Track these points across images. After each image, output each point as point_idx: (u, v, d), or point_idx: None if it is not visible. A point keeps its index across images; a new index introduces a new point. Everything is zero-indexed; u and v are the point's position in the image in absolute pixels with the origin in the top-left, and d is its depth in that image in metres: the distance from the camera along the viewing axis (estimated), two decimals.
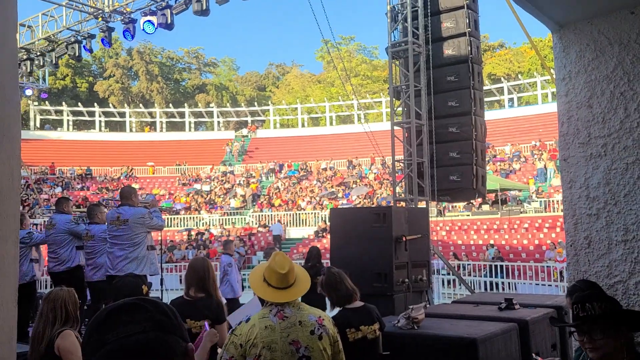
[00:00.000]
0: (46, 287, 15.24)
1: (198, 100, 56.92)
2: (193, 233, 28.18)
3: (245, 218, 30.66)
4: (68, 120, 47.95)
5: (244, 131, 46.48)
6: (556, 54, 4.00)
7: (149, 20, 15.32)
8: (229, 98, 59.24)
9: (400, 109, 13.29)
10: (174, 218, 30.47)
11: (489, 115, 26.69)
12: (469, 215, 26.05)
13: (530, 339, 5.09)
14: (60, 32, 17.77)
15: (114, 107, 52.41)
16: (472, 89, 11.94)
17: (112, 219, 7.28)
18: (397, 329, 4.85)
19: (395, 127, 13.19)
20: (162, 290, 10.33)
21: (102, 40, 16.79)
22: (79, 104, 49.64)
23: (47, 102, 45.09)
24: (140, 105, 54.69)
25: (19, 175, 1.43)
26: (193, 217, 31.20)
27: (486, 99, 29.30)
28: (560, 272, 16.20)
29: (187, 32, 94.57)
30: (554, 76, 4.10)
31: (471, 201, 22.63)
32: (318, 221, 28.33)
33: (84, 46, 17.24)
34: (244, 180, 36.08)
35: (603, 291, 2.57)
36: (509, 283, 17.40)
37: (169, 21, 15.18)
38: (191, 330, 4.20)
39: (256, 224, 29.79)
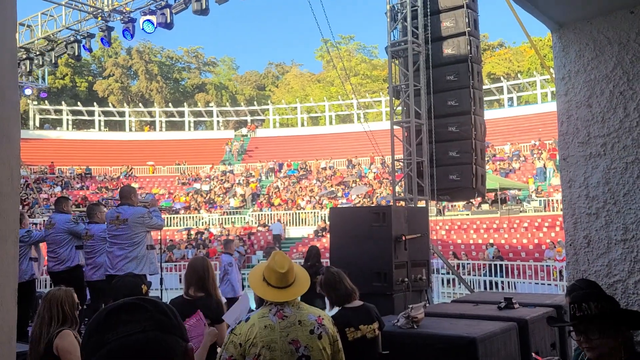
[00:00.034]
0: (45, 287, 15.24)
1: (197, 100, 56.92)
2: (192, 232, 28.19)
3: (244, 217, 30.67)
4: (67, 120, 47.96)
5: (244, 130, 46.47)
6: (555, 54, 4.00)
7: (148, 20, 15.31)
8: (229, 97, 59.24)
9: (399, 108, 13.29)
10: (174, 217, 30.48)
11: (489, 114, 26.71)
12: (468, 214, 26.06)
13: (529, 338, 5.10)
14: (59, 31, 17.77)
15: (114, 106, 52.42)
16: (472, 89, 11.94)
17: (112, 218, 7.29)
18: (397, 328, 4.85)
19: (395, 127, 13.20)
20: (161, 290, 10.33)
21: (102, 39, 16.78)
22: (79, 103, 49.63)
23: (46, 101, 45.09)
24: (140, 104, 54.70)
25: (18, 175, 1.43)
26: (192, 217, 31.21)
27: (486, 98, 29.30)
28: (560, 271, 16.21)
29: (187, 32, 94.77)
30: (554, 75, 4.10)
31: (471, 200, 22.65)
32: (318, 220, 28.35)
33: (83, 45, 17.24)
34: (243, 180, 36.09)
35: (602, 290, 2.57)
36: (508, 282, 17.41)
37: (169, 20, 15.18)
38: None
39: (256, 223, 29.79)
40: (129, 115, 49.85)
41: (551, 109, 28.28)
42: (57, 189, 33.82)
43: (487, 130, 13.08)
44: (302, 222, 29.36)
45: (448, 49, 12.22)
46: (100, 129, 47.94)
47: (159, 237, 11.46)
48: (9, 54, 1.38)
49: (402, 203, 12.71)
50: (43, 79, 27.48)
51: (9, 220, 1.35)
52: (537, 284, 16.63)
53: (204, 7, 14.53)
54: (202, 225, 30.07)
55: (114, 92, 56.70)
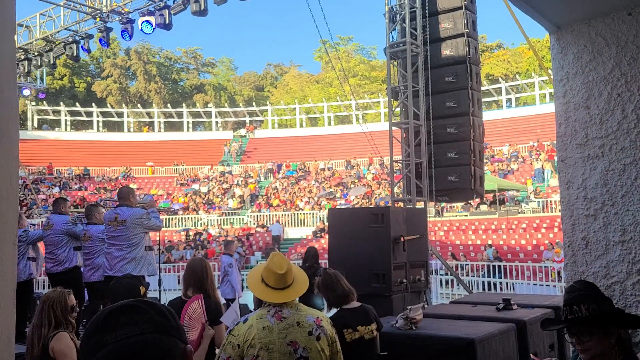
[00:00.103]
0: (44, 288, 15.24)
1: (196, 101, 56.90)
2: (191, 233, 28.17)
3: (243, 218, 30.66)
4: (66, 120, 47.92)
5: (242, 131, 46.46)
6: (554, 56, 4.01)
7: (147, 21, 15.30)
8: (227, 98, 59.23)
9: (398, 109, 13.30)
10: (172, 218, 30.46)
11: (487, 115, 26.77)
12: (467, 215, 26.08)
13: (528, 339, 5.11)
14: (58, 32, 17.75)
15: (112, 107, 52.41)
16: (470, 90, 11.95)
17: (110, 219, 7.28)
18: (395, 330, 4.85)
19: (394, 128, 13.20)
20: (160, 291, 10.32)
21: (100, 40, 16.77)
22: (77, 104, 49.61)
23: (44, 102, 45.07)
24: (138, 105, 54.67)
25: (17, 177, 1.43)
26: (191, 217, 31.20)
27: (484, 100, 29.35)
28: (558, 272, 16.22)
29: (185, 32, 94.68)
30: (552, 77, 4.11)
31: (469, 201, 22.66)
32: (316, 221, 28.35)
33: (81, 46, 17.22)
34: (242, 181, 36.08)
35: (600, 292, 2.58)
36: (507, 283, 17.43)
37: (167, 21, 15.17)
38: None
39: (254, 224, 29.79)
40: (128, 116, 49.83)
41: (549, 110, 28.33)
42: (56, 190, 33.78)
43: (485, 131, 13.09)
44: (301, 223, 29.36)
45: (446, 50, 12.23)
46: (98, 130, 47.90)
47: (158, 238, 11.46)
48: (8, 56, 1.38)
49: (401, 204, 12.72)
50: (41, 79, 27.45)
51: (8, 222, 1.35)
52: (536, 285, 16.65)
53: (202, 8, 14.53)
54: (201, 226, 30.06)
55: (112, 93, 56.67)
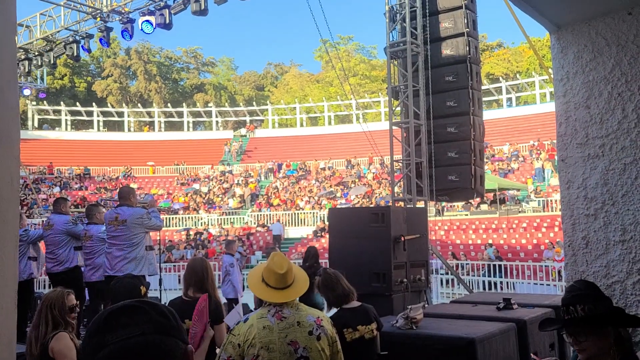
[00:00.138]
0: (45, 287, 15.25)
1: (196, 100, 56.91)
2: (192, 233, 28.18)
3: (243, 218, 30.66)
4: (66, 120, 47.93)
5: (243, 131, 46.45)
6: (554, 55, 4.01)
7: (147, 21, 15.30)
8: (228, 98, 59.23)
9: (398, 109, 13.30)
10: (173, 218, 30.47)
11: (488, 114, 26.76)
12: (467, 214, 26.08)
13: (528, 338, 5.11)
14: (58, 32, 17.76)
15: (112, 106, 52.41)
16: (471, 89, 11.94)
17: (111, 219, 7.28)
18: (396, 329, 4.86)
19: (394, 127, 13.20)
20: (160, 290, 10.31)
21: (100, 40, 16.78)
22: (77, 103, 49.61)
23: (45, 101, 45.07)
24: (139, 105, 54.69)
25: (18, 178, 1.43)
26: (191, 217, 31.21)
27: (484, 99, 29.34)
28: (559, 272, 16.22)
29: (186, 32, 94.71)
30: (552, 76, 4.11)
31: (469, 201, 22.66)
32: (317, 221, 28.35)
33: (82, 46, 17.23)
34: (242, 180, 36.08)
35: (599, 292, 2.58)
36: (507, 282, 17.42)
37: (168, 21, 15.17)
38: (189, 331, 4.21)
39: (255, 223, 29.79)
40: (128, 116, 49.84)
41: (550, 109, 28.33)
42: (56, 190, 33.80)
43: (485, 131, 13.08)
44: (301, 223, 29.36)
45: (447, 50, 12.23)
46: (99, 130, 47.91)
47: (158, 238, 11.45)
48: (9, 56, 1.38)
49: (401, 203, 12.72)
50: (42, 79, 27.46)
51: (9, 223, 1.35)
52: (536, 284, 16.64)
53: (202, 7, 14.52)
54: (201, 225, 30.07)
55: (112, 93, 56.69)
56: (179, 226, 29.97)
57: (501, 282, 17.50)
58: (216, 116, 49.92)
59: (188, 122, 49.55)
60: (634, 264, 3.51)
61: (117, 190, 9.73)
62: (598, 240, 3.67)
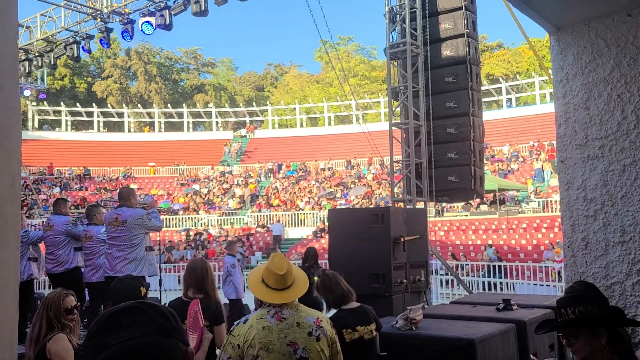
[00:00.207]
0: (45, 288, 15.25)
1: (196, 101, 56.91)
2: (191, 233, 28.19)
3: (243, 218, 30.66)
4: (66, 121, 47.94)
5: (243, 131, 46.47)
6: (553, 56, 4.02)
7: (147, 21, 15.30)
8: (228, 98, 59.24)
9: (398, 109, 13.30)
10: (173, 218, 30.47)
11: (487, 115, 26.76)
12: (467, 215, 26.08)
13: (527, 339, 5.11)
14: (58, 32, 17.76)
15: (113, 107, 52.43)
16: (470, 90, 11.95)
17: (111, 220, 7.29)
18: (395, 330, 4.86)
19: (394, 128, 13.21)
20: (160, 291, 10.31)
21: (101, 40, 16.78)
22: (77, 104, 49.62)
23: (45, 102, 45.08)
24: (139, 105, 54.69)
25: (19, 179, 1.44)
26: (191, 218, 31.21)
27: (484, 99, 29.37)
28: (559, 272, 16.22)
29: (186, 32, 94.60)
30: (552, 77, 4.11)
31: (469, 201, 22.66)
32: (316, 221, 28.36)
33: (82, 47, 17.23)
34: (242, 181, 36.08)
35: (597, 293, 2.59)
36: (507, 283, 17.43)
37: (168, 22, 15.16)
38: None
39: (254, 224, 29.80)
40: (128, 116, 49.84)
41: (550, 110, 28.31)
42: (56, 190, 33.80)
43: (485, 131, 13.09)
44: (301, 223, 29.36)
45: (446, 51, 12.23)
46: (99, 130, 47.91)
47: (158, 238, 11.45)
48: (11, 59, 1.39)
49: (401, 204, 12.72)
50: (42, 80, 27.47)
51: (11, 225, 1.36)
52: (536, 285, 16.64)
53: (203, 8, 14.52)
54: (201, 226, 30.07)
55: (112, 93, 56.69)
56: (179, 227, 29.97)
57: (501, 283, 17.50)
58: (216, 117, 49.94)
59: (188, 122, 49.56)
60: (633, 265, 3.52)
61: (117, 191, 9.73)
62: (597, 242, 3.68)
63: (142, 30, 15.52)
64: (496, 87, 43.28)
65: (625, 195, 3.58)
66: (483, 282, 17.67)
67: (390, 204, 14.72)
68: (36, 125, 46.16)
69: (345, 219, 9.41)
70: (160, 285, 10.25)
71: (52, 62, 18.44)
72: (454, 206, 26.19)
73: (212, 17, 15.40)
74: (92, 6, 16.39)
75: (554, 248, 18.47)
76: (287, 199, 32.69)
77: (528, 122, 35.34)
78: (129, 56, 59.32)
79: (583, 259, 3.74)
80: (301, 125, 47.49)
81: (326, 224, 22.97)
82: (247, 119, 50.37)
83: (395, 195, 13.78)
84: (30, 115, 45.44)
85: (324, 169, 36.57)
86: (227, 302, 10.74)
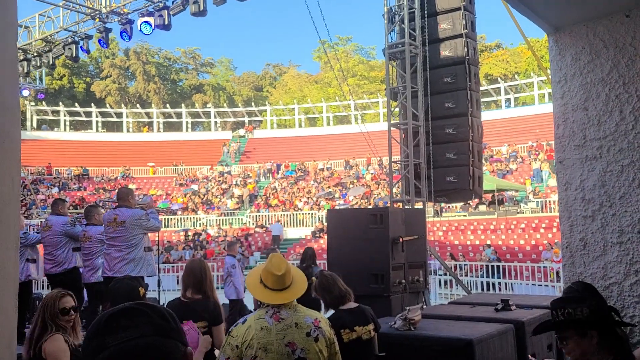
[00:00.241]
0: (43, 288, 15.23)
1: (195, 101, 56.88)
2: (190, 233, 28.17)
3: (242, 219, 30.66)
4: (65, 121, 47.89)
5: (241, 131, 46.47)
6: (552, 57, 4.02)
7: (146, 22, 15.28)
8: (226, 98, 59.22)
9: (397, 110, 13.31)
10: (171, 218, 30.45)
11: (486, 115, 26.75)
12: (465, 215, 26.09)
13: (526, 339, 5.11)
14: (57, 32, 17.74)
15: (111, 107, 52.38)
16: (469, 90, 11.96)
17: (109, 220, 7.29)
18: (394, 330, 4.86)
19: (392, 128, 13.21)
20: (159, 291, 10.32)
21: (99, 40, 16.77)
22: (76, 104, 49.58)
23: (44, 102, 45.05)
24: (137, 105, 54.64)
25: (19, 181, 1.44)
26: (190, 218, 31.19)
27: (483, 100, 29.35)
28: (557, 273, 16.22)
29: (184, 32, 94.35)
30: (550, 77, 4.12)
31: (468, 202, 22.67)
32: (315, 221, 28.36)
33: (81, 47, 17.22)
34: (241, 181, 36.07)
35: (597, 293, 2.60)
36: (505, 283, 17.43)
37: (166, 22, 15.15)
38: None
39: (253, 224, 29.79)
40: (127, 116, 49.81)
41: (548, 110, 28.23)
42: (55, 190, 33.77)
43: (484, 132, 13.10)
44: (300, 223, 29.36)
45: (445, 51, 12.24)
46: (97, 130, 47.87)
47: (157, 239, 11.46)
48: (10, 61, 1.39)
49: (400, 204, 12.73)
50: (40, 80, 27.43)
51: (10, 226, 1.36)
52: (534, 285, 16.65)
53: (201, 8, 14.51)
54: (200, 226, 30.05)
55: (111, 93, 56.65)
56: (178, 227, 29.96)
57: (499, 283, 17.51)
58: (215, 117, 49.93)
59: (187, 122, 49.53)
60: (631, 266, 3.53)
61: (116, 191, 9.72)
62: (596, 242, 3.69)
63: (140, 30, 15.50)
64: (495, 87, 43.31)
65: (623, 196, 3.59)
66: (481, 283, 17.68)
67: (388, 204, 14.72)
68: (35, 125, 46.13)
69: (344, 219, 9.42)
70: (158, 285, 10.26)
71: (51, 62, 18.42)
72: (452, 206, 26.20)
73: (210, 17, 15.39)
74: (91, 6, 16.37)
75: (552, 248, 18.49)
76: (286, 199, 32.69)
77: (527, 122, 35.37)
78: (127, 56, 59.28)
79: (581, 259, 3.74)
80: (300, 126, 47.49)
81: (325, 224, 22.97)
82: (246, 119, 50.35)
83: (394, 196, 13.79)
84: (28, 115, 45.40)
85: (322, 169, 36.57)
86: (228, 302, 10.75)
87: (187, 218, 31.10)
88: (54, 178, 36.57)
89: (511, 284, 17.28)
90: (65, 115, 47.77)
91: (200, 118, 51.59)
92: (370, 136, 15.17)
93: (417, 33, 12.55)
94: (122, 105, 53.63)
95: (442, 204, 22.46)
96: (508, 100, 43.52)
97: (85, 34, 17.10)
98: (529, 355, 4.85)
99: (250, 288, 3.36)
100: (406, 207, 12.11)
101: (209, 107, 51.24)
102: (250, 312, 3.95)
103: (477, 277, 18.15)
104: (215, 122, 50.07)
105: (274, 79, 67.53)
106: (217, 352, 3.90)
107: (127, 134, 47.28)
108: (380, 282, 8.20)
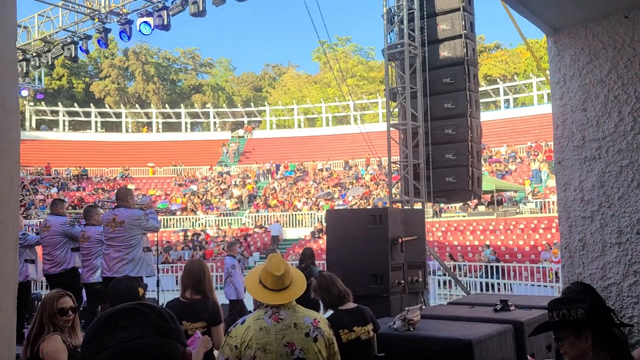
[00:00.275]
0: (42, 289, 15.22)
1: (194, 101, 56.87)
2: (189, 234, 28.16)
3: (241, 219, 30.65)
4: (64, 121, 47.87)
5: (240, 132, 46.46)
6: (551, 58, 4.03)
7: (145, 22, 15.30)
8: (225, 99, 59.22)
9: (396, 110, 13.31)
10: (170, 219, 30.44)
11: (485, 116, 26.79)
12: (464, 216, 26.09)
13: (525, 340, 5.11)
14: (56, 32, 17.75)
15: (110, 107, 52.35)
16: (468, 91, 11.96)
17: (108, 220, 7.28)
18: (393, 331, 4.87)
19: (392, 129, 13.22)
20: (158, 292, 10.32)
21: (99, 41, 16.79)
22: (75, 104, 49.56)
23: (43, 102, 45.03)
24: (136, 105, 54.63)
25: (18, 181, 1.44)
26: (189, 218, 31.18)
27: (482, 100, 29.40)
28: (556, 273, 16.23)
29: (183, 33, 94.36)
30: (549, 78, 4.12)
31: (467, 202, 22.68)
32: (314, 222, 28.35)
33: (80, 47, 17.22)
34: (240, 181, 36.07)
35: (596, 294, 2.61)
36: (504, 284, 17.44)
37: (166, 22, 15.16)
38: (187, 332, 4.22)
39: (252, 224, 29.79)
40: (126, 117, 49.78)
41: (547, 110, 28.31)
42: (54, 190, 33.75)
43: (483, 132, 13.11)
44: (299, 224, 29.36)
45: (444, 52, 12.25)
46: (96, 130, 47.84)
47: (156, 239, 11.46)
48: (9, 62, 1.39)
49: (399, 205, 12.73)
50: (39, 80, 27.43)
51: (9, 226, 1.36)
52: (534, 285, 16.66)
53: (200, 8, 14.52)
54: (199, 226, 30.04)
55: (110, 93, 56.64)
56: (177, 227, 29.95)
57: (498, 284, 17.51)
58: (214, 117, 49.93)
59: (186, 123, 49.52)
60: (630, 266, 3.53)
61: (115, 191, 9.72)
62: (594, 243, 3.69)
63: (139, 30, 15.51)
64: (494, 87, 43.32)
65: (622, 197, 3.59)
66: (481, 283, 17.69)
67: (388, 205, 14.72)
68: (34, 125, 46.09)
69: (343, 219, 9.42)
70: (157, 285, 10.26)
71: (50, 62, 18.43)
72: (451, 207, 26.21)
73: (209, 18, 15.39)
74: (90, 6, 16.38)
75: (551, 249, 18.50)
76: (285, 200, 32.68)
77: (526, 123, 35.39)
78: (126, 56, 59.27)
79: (580, 259, 3.75)
80: (299, 126, 47.49)
81: (324, 224, 22.97)
82: (245, 120, 50.35)
83: (393, 196, 13.79)
84: (27, 116, 45.38)
85: (321, 170, 36.57)
86: (228, 303, 10.75)
87: (186, 218, 31.09)
88: (53, 178, 36.54)
89: (510, 284, 17.29)
90: (64, 116, 47.75)
91: (199, 118, 51.58)
92: (370, 137, 15.18)
93: (416, 34, 12.56)
94: (121, 105, 53.60)
95: (441, 205, 22.48)
96: (507, 101, 43.53)
97: (84, 34, 17.11)
98: (528, 356, 4.85)
99: (249, 288, 3.36)
100: (405, 207, 12.12)
101: (208, 108, 51.24)
102: (250, 312, 3.94)
103: (476, 277, 18.16)
104: (215, 123, 50.07)
105: (273, 80, 67.54)
106: (216, 352, 3.90)
107: (126, 134, 47.26)
108: (380, 283, 8.20)
